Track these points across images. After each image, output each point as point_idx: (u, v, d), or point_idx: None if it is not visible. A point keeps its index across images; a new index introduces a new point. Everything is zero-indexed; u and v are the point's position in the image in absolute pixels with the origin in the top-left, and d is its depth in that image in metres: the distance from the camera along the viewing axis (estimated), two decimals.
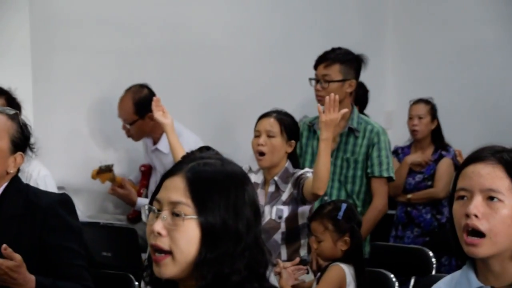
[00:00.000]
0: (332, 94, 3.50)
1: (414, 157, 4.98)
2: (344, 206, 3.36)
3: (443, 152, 4.93)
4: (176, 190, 1.62)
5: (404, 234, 4.95)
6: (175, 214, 1.61)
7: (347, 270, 3.23)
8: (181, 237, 1.60)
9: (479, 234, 1.84)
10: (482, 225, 1.83)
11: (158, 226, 1.61)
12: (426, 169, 5.00)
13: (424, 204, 4.94)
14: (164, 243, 1.61)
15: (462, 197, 1.88)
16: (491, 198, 1.84)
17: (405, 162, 4.98)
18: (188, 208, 1.61)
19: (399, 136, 6.03)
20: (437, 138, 5.03)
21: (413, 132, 5.05)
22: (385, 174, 4.11)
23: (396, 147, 5.15)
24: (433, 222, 4.93)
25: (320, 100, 4.04)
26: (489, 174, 1.86)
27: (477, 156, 1.90)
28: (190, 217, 1.60)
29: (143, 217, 1.67)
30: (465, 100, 5.99)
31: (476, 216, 1.83)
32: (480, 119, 5.80)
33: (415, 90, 6.02)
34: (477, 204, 1.84)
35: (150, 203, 1.68)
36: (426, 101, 5.07)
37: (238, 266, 1.60)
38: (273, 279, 2.91)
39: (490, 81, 5.94)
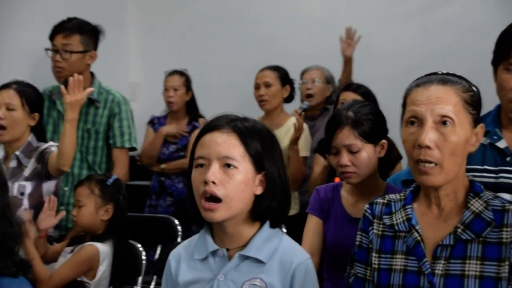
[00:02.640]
0: (76, 75, 3.43)
1: (168, 128, 5.05)
2: (115, 176, 3.36)
3: (197, 124, 4.98)
4: None
5: (158, 203, 5.02)
6: None
7: (103, 249, 3.18)
8: None
9: (216, 199, 1.93)
10: (219, 191, 1.92)
11: None
12: (180, 140, 5.09)
13: (177, 174, 5.03)
14: None
15: (201, 165, 1.96)
16: (228, 165, 1.94)
17: (159, 133, 5.03)
18: None
19: (144, 107, 6.09)
20: (191, 109, 5.13)
21: (169, 103, 5.11)
22: (127, 145, 4.12)
23: (152, 116, 5.21)
24: (185, 191, 5.02)
25: (59, 71, 3.98)
26: (225, 142, 1.95)
27: (214, 125, 1.99)
28: None
29: None
30: (215, 72, 6.17)
31: (214, 182, 1.92)
32: (232, 90, 6.01)
33: (159, 62, 6.10)
34: (214, 171, 1.93)
35: None
36: (181, 73, 5.16)
37: None
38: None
39: (240, 53, 6.15)
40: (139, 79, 6.35)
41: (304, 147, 4.41)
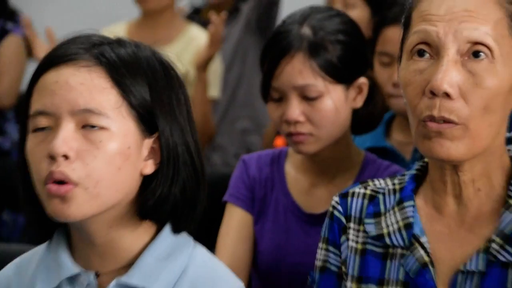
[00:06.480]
0: None
1: None
2: None
3: (9, 25, 3.27)
4: None
5: None
6: None
7: None
8: None
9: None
10: (75, 172, 1.22)
11: None
12: None
13: None
14: None
15: (41, 128, 1.24)
16: (91, 126, 1.22)
17: None
18: None
19: None
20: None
21: None
22: None
23: None
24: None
25: None
26: (83, 84, 1.23)
27: (62, 55, 1.25)
28: None
29: None
30: None
31: (66, 157, 1.20)
32: None
33: None
34: (66, 137, 1.21)
35: None
36: None
37: None
38: None
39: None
40: None
41: (213, 82, 2.99)
